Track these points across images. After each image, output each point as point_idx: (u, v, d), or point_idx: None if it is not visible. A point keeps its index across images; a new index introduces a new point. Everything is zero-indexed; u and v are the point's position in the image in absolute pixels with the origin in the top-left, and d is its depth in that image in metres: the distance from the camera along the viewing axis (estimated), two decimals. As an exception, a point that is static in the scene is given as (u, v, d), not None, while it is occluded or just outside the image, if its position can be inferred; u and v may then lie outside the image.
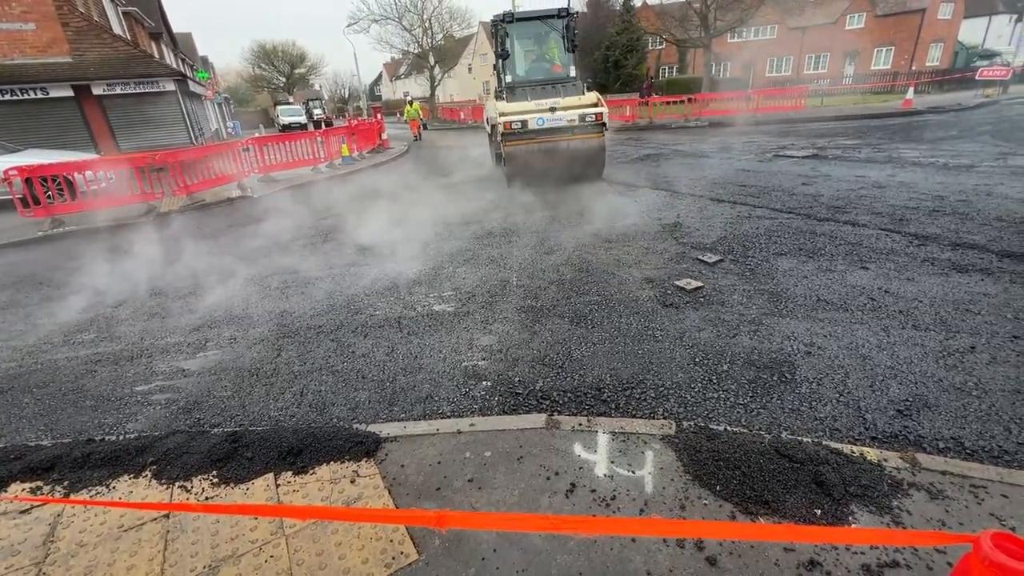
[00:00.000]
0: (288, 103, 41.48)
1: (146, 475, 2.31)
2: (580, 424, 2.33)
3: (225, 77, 61.28)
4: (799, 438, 2.12)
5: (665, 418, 2.51)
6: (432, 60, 38.97)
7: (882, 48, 33.76)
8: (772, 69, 38.25)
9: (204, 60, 43.76)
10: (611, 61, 36.94)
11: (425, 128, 24.67)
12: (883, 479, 1.87)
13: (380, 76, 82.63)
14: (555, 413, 2.58)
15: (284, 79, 59.59)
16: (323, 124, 31.06)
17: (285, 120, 33.68)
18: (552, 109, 7.96)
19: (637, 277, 4.39)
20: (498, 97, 9.41)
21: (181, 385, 3.24)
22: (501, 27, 8.78)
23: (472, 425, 2.41)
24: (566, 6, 8.89)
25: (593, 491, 1.94)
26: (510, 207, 7.50)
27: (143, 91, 16.89)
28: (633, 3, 37.19)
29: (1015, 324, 3.19)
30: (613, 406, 2.66)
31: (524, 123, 7.94)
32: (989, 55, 32.70)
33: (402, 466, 2.21)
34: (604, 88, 35.62)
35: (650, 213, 6.53)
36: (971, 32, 37.44)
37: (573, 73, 9.23)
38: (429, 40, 38.56)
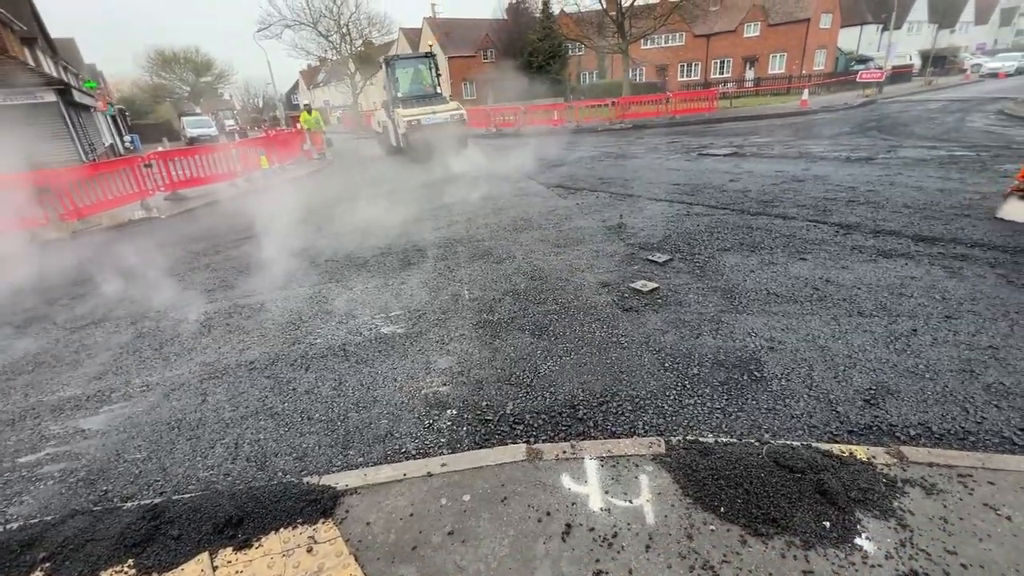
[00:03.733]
0: (195, 114, 38.33)
1: (36, 578, 1.83)
2: (564, 452, 2.14)
3: (119, 87, 55.59)
4: (791, 443, 2.06)
5: (647, 432, 2.38)
6: (352, 67, 37.68)
7: (776, 54, 36.89)
8: (683, 74, 40.67)
9: (92, 68, 39.49)
10: (535, 67, 37.55)
11: (329, 144, 19.05)
12: (878, 479, 1.83)
13: (297, 84, 78.83)
14: (533, 440, 2.38)
15: (189, 88, 55.20)
16: (237, 135, 28.95)
17: (193, 132, 31.02)
18: (434, 112, 13.08)
19: (592, 282, 4.30)
20: (387, 108, 14.65)
21: (80, 450, 2.69)
22: (391, 63, 14.38)
23: (444, 465, 2.15)
24: (429, 52, 15.04)
25: (592, 530, 1.75)
26: (449, 215, 7.23)
27: (15, 103, 14.81)
28: (552, 10, 38.06)
29: (944, 305, 3.40)
30: (591, 424, 2.50)
31: (419, 121, 12.90)
32: (864, 60, 36.73)
33: (368, 524, 1.91)
34: (528, 94, 36.14)
35: (593, 215, 6.52)
36: (847, 40, 42.00)
37: (439, 91, 14.76)
38: (348, 46, 37.27)
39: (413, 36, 48.60)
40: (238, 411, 2.90)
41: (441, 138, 13.09)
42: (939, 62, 36.75)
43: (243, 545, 1.88)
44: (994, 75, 32.93)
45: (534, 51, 37.17)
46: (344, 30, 37.10)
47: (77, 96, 18.47)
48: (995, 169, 7.13)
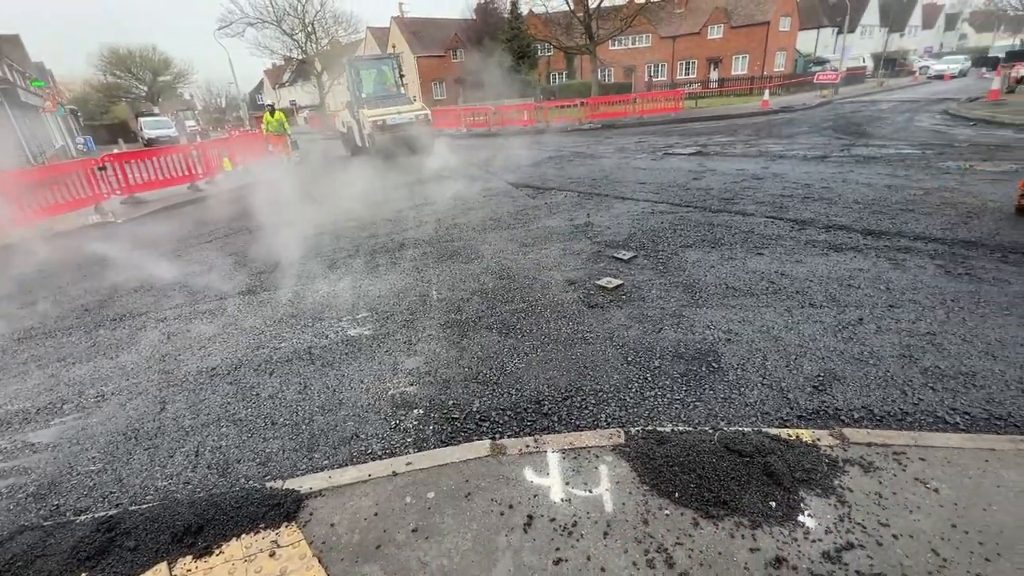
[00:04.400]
0: (153, 114, 36.93)
1: (-19, 597, 1.77)
2: (527, 446, 2.18)
3: (70, 87, 53.01)
4: (742, 429, 2.16)
5: (610, 424, 2.45)
6: (319, 66, 36.99)
7: (738, 55, 38.01)
8: (650, 74, 41.43)
9: (40, 67, 37.55)
10: (504, 67, 37.61)
11: (295, 147, 17.60)
12: (821, 460, 1.94)
13: (261, 83, 76.86)
14: (498, 436, 2.41)
15: (146, 88, 53.11)
16: (199, 136, 28.03)
17: (151, 134, 29.88)
18: (399, 112, 13.32)
19: (559, 280, 4.36)
20: (352, 109, 14.87)
21: (30, 464, 2.59)
22: (354, 64, 14.69)
23: (409, 464, 2.16)
24: (392, 53, 15.82)
25: (552, 520, 1.80)
26: (417, 216, 7.20)
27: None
28: (520, 11, 38.20)
29: (888, 294, 3.60)
30: (556, 419, 2.55)
31: (384, 121, 13.12)
32: (821, 62, 38.21)
33: (332, 525, 1.91)
34: (498, 94, 36.18)
35: (561, 215, 6.61)
36: (805, 42, 43.63)
37: (403, 91, 15.07)
38: (314, 45, 36.55)
39: (381, 35, 48.05)
40: (199, 418, 2.84)
41: (407, 138, 13.37)
42: (890, 64, 38.55)
43: (203, 553, 1.86)
44: (940, 77, 34.74)
45: (503, 51, 37.23)
46: (309, 29, 36.38)
47: (23, 96, 17.56)
48: (938, 166, 7.55)
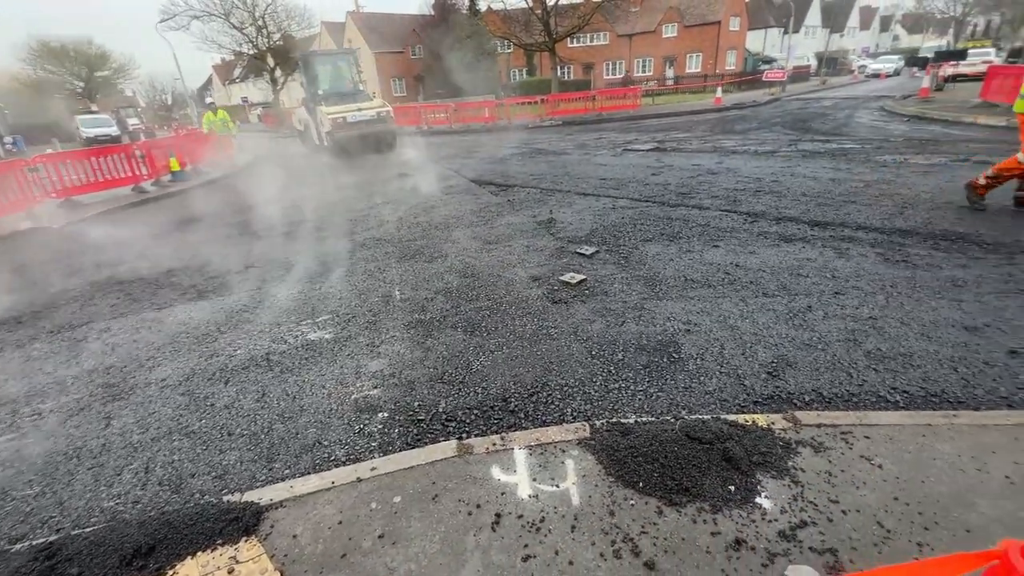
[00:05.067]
0: (92, 112, 34.66)
1: (-98, 640, 1.62)
2: (494, 444, 2.18)
3: (-8, 82, 49.04)
4: (702, 417, 2.22)
5: (576, 419, 2.47)
6: (272, 62, 35.68)
7: (692, 54, 39.12)
8: (608, 72, 42.11)
9: (-43, 60, 34.54)
10: (464, 64, 37.36)
11: (241, 149, 16.23)
12: (776, 443, 2.03)
13: (210, 79, 73.49)
14: (465, 436, 2.40)
15: (82, 84, 49.80)
16: (143, 135, 26.51)
17: (90, 132, 28.05)
18: (359, 109, 12.86)
19: (523, 277, 4.37)
20: (308, 106, 14.27)
21: (-44, 492, 2.39)
22: (309, 60, 14.02)
23: (374, 469, 2.12)
24: (349, 48, 15.33)
25: (520, 517, 1.80)
26: (378, 215, 7.06)
27: None
28: (479, 7, 38.01)
29: (834, 282, 3.79)
30: (522, 415, 2.56)
31: (344, 118, 12.57)
32: (769, 60, 39.81)
33: (295, 536, 1.85)
34: (459, 91, 35.93)
35: (524, 211, 6.63)
36: (754, 42, 45.35)
37: (362, 88, 14.58)
38: (265, 40, 35.21)
39: (336, 31, 46.80)
40: (148, 433, 2.69)
41: (369, 136, 13.07)
42: (831, 63, 40.55)
43: (155, 574, 1.76)
44: (877, 75, 36.82)
45: (463, 48, 36.96)
46: (260, 22, 35.00)
47: (-61, 92, 16.12)
48: (876, 160, 8.00)
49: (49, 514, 2.21)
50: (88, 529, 2.00)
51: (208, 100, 17.66)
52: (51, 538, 1.97)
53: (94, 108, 39.93)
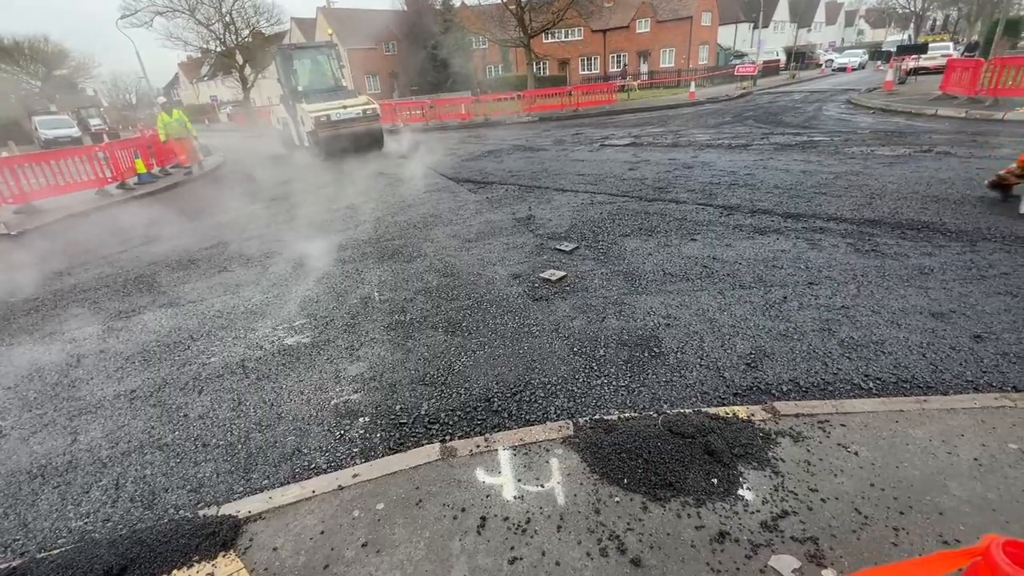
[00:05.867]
0: (51, 113, 33.22)
1: None
2: (478, 446, 2.16)
3: (-58, 82, 46.52)
4: (683, 411, 2.24)
5: (559, 417, 2.47)
6: (240, 59, 34.74)
7: (666, 49, 39.52)
8: (583, 67, 42.26)
9: (-100, 59, 32.74)
10: (439, 60, 37.03)
11: (207, 153, 14.96)
12: (756, 434, 2.06)
13: (177, 78, 71.24)
14: (449, 438, 2.37)
15: (39, 83, 47.70)
16: (106, 136, 25.50)
17: (49, 134, 26.89)
18: (344, 107, 12.13)
19: (503, 274, 4.35)
20: (286, 104, 13.63)
21: (-90, 518, 2.26)
22: (287, 53, 13.19)
23: (356, 476, 2.08)
24: (330, 41, 14.06)
25: (506, 519, 1.79)
26: (355, 215, 6.95)
27: None
28: (452, 3, 37.67)
29: (808, 272, 3.87)
30: (506, 415, 2.54)
31: (328, 116, 11.82)
32: (740, 55, 40.49)
33: (275, 549, 1.80)
34: (435, 87, 35.60)
35: (503, 208, 6.60)
36: (725, 36, 46.07)
37: (344, 84, 13.84)
38: (233, 37, 34.25)
39: (307, 27, 45.85)
40: (117, 447, 2.59)
41: (354, 135, 12.43)
42: (800, 58, 41.44)
43: (128, 595, 1.70)
44: (843, 69, 37.78)
45: (436, 44, 36.62)
46: (227, 19, 34.03)
47: None
48: (844, 152, 8.21)
49: (12, 536, 2.10)
50: (55, 551, 1.91)
51: (160, 99, 15.66)
52: (14, 563, 1.88)
53: (53, 108, 38.29)
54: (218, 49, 35.30)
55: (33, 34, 48.88)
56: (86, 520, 2.15)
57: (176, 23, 33.52)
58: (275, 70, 13.89)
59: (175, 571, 1.76)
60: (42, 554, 1.93)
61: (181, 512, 2.12)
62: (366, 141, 12.90)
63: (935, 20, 58.69)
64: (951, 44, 29.44)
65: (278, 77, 13.94)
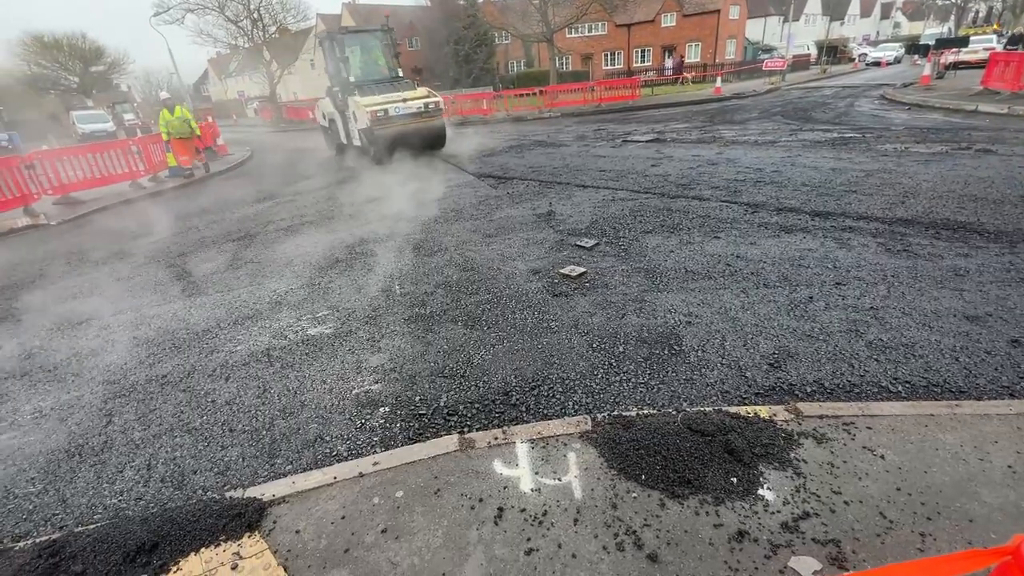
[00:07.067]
0: (87, 108, 34.41)
1: (-93, 638, 1.63)
2: (496, 438, 2.18)
3: (-13, 78, 48.59)
4: (703, 409, 2.22)
5: (577, 412, 2.47)
6: (268, 55, 35.36)
7: (692, 43, 38.76)
8: (607, 62, 41.77)
9: (-50, 57, 34.28)
10: (462, 55, 37.06)
11: (211, 154, 13.88)
12: (778, 434, 2.02)
13: (206, 73, 72.95)
14: (467, 430, 2.40)
15: (77, 79, 49.41)
16: (139, 131, 26.31)
17: (86, 128, 27.91)
18: (404, 100, 10.51)
19: (523, 270, 4.36)
20: (334, 97, 11.73)
21: (-41, 490, 2.39)
22: (337, 39, 11.20)
23: (376, 464, 2.12)
24: (386, 25, 11.89)
25: (523, 511, 1.80)
26: (376, 208, 7.03)
27: None
28: (476, -2, 37.62)
29: (835, 272, 3.78)
30: (524, 409, 2.55)
31: (386, 111, 10.21)
32: (768, 49, 39.48)
33: (297, 532, 1.85)
34: (457, 83, 35.67)
35: (523, 204, 6.59)
36: (754, 30, 44.98)
37: (400, 73, 11.95)
38: (261, 33, 34.87)
39: (332, 23, 46.38)
40: (150, 430, 2.69)
41: (416, 132, 10.80)
42: (832, 52, 40.20)
43: (159, 571, 1.77)
44: (877, 64, 36.50)
45: (460, 39, 36.63)
46: (255, 15, 34.64)
47: (-67, 89, 16.02)
48: (877, 149, 7.95)
49: (52, 511, 2.21)
50: (91, 526, 2.00)
51: (162, 95, 12.30)
52: (54, 536, 1.97)
53: (90, 104, 39.64)
54: (246, 45, 35.98)
55: (71, 31, 50.60)
56: (120, 498, 2.24)
57: (206, 20, 34.27)
58: (325, 58, 11.90)
59: (203, 549, 1.83)
60: (79, 528, 2.02)
61: (208, 493, 2.20)
62: (428, 140, 11.30)
63: (977, 12, 56.21)
64: (994, 37, 28.17)
65: (326, 66, 12.16)
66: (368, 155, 11.09)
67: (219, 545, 1.84)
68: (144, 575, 1.75)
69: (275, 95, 37.87)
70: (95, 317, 4.29)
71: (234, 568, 1.75)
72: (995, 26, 38.29)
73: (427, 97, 10.87)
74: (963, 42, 21.45)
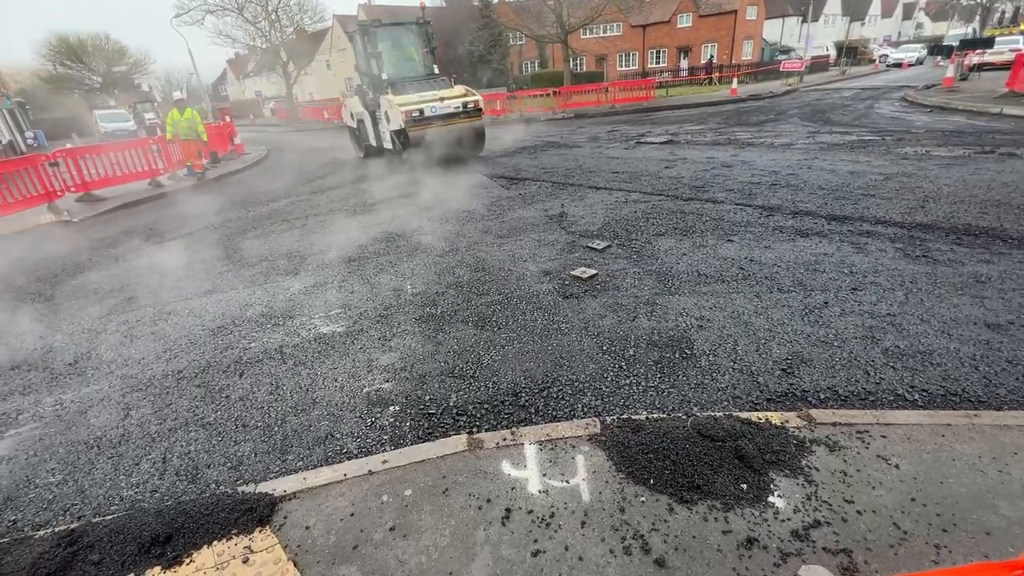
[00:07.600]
0: (110, 107, 35.20)
1: (-68, 622, 1.68)
2: (504, 439, 2.18)
3: (15, 78, 49.94)
4: (714, 414, 2.20)
5: (586, 414, 2.47)
6: (285, 56, 35.84)
7: (708, 44, 38.42)
8: (621, 63, 41.59)
9: (-20, 57, 35.25)
10: (475, 56, 37.15)
11: (214, 163, 13.43)
12: (789, 441, 2.00)
13: (225, 74, 74.12)
14: (476, 430, 2.41)
15: (100, 79, 50.55)
16: (159, 130, 26.82)
17: (108, 127, 28.56)
18: (441, 99, 9.72)
19: (534, 271, 4.36)
20: (364, 96, 11.20)
21: (-17, 479, 2.46)
22: (370, 32, 10.34)
23: (385, 462, 2.14)
24: (422, 18, 10.97)
25: (530, 512, 1.81)
26: (389, 208, 7.09)
27: None
28: (491, -1, 37.67)
29: (852, 278, 3.72)
30: (533, 410, 2.56)
31: (421, 111, 9.45)
32: (786, 50, 38.96)
33: (307, 528, 1.88)
34: (471, 83, 35.78)
35: (535, 205, 6.59)
36: (771, 31, 44.42)
37: (436, 70, 11.22)
38: (278, 34, 35.35)
39: (348, 24, 46.83)
40: (165, 424, 2.75)
41: (455, 134, 10.08)
42: (852, 53, 39.55)
43: (173, 563, 1.80)
44: (899, 65, 35.83)
45: (474, 40, 36.72)
46: (273, 16, 35.13)
47: (-36, 88, 16.50)
48: (896, 152, 7.81)
49: (71, 501, 2.27)
50: (108, 517, 2.05)
51: (175, 94, 12.31)
52: (72, 525, 2.02)
53: (112, 103, 40.52)
54: (264, 46, 36.49)
55: (94, 32, 51.75)
56: (136, 490, 2.29)
57: (225, 21, 34.84)
58: (355, 52, 11.23)
59: (215, 542, 1.86)
60: (97, 519, 2.07)
61: (221, 487, 2.24)
62: (468, 142, 10.55)
63: (1004, 12, 54.85)
64: (1020, 38, 27.45)
65: (356, 63, 11.46)
66: (399, 158, 10.45)
67: (231, 539, 1.87)
68: (158, 566, 1.79)
69: (291, 95, 38.36)
70: (114, 313, 4.39)
71: (245, 562, 1.78)
72: (1021, 26, 37.31)
73: (465, 96, 10.05)
74: (988, 43, 20.94)
